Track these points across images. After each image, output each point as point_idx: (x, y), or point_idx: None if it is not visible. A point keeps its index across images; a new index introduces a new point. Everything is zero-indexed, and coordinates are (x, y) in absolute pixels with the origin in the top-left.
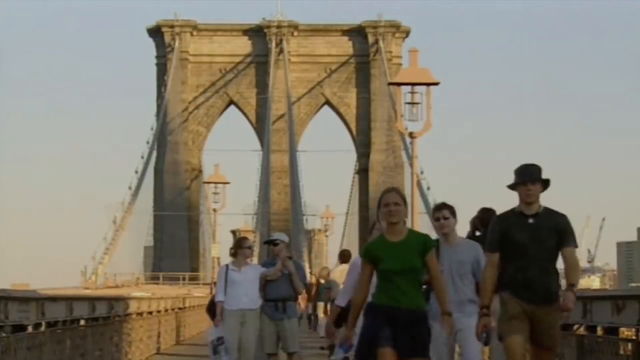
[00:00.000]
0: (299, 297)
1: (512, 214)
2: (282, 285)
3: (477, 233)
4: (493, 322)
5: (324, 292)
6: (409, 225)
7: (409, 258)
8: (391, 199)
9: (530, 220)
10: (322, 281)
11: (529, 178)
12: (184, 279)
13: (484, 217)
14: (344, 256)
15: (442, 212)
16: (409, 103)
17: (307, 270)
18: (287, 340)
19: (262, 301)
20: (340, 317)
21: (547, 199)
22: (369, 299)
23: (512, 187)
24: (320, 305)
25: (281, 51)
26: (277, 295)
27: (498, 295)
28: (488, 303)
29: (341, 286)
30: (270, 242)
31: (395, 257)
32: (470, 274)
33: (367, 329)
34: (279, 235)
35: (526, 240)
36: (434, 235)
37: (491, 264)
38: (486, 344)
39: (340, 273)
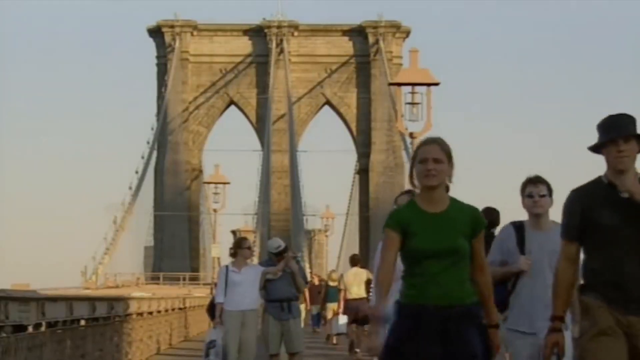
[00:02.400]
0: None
1: (596, 187)
2: (285, 285)
3: None
4: (568, 337)
5: (332, 294)
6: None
7: (451, 235)
8: (431, 152)
9: (624, 195)
10: (331, 283)
11: (618, 132)
12: (184, 279)
13: (487, 218)
14: (355, 260)
15: (539, 188)
16: (409, 103)
17: (307, 271)
18: (292, 341)
19: (262, 301)
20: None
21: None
22: (395, 296)
23: (595, 148)
24: (330, 306)
25: (281, 51)
26: (281, 296)
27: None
28: (562, 313)
29: (354, 288)
30: (283, 252)
31: (433, 234)
32: None
33: (392, 340)
34: (278, 242)
35: (619, 222)
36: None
37: (567, 258)
38: None
39: (353, 276)
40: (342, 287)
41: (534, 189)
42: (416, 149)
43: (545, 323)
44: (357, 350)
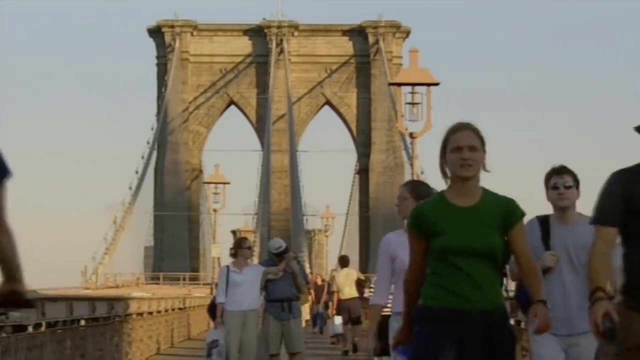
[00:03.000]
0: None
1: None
2: (285, 285)
3: None
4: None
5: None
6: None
7: (484, 232)
8: (465, 140)
9: None
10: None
11: None
12: (184, 279)
13: None
14: (344, 261)
15: (564, 178)
16: (409, 103)
17: (308, 271)
18: (293, 341)
19: (263, 301)
20: (382, 325)
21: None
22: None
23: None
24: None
25: (281, 51)
26: (281, 296)
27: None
28: (603, 284)
29: (346, 288)
30: (283, 253)
31: (463, 230)
32: None
33: (419, 349)
34: (279, 242)
35: None
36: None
37: (604, 240)
38: (611, 337)
39: (344, 277)
40: (334, 288)
41: (559, 179)
42: (447, 135)
43: (578, 324)
44: (347, 349)
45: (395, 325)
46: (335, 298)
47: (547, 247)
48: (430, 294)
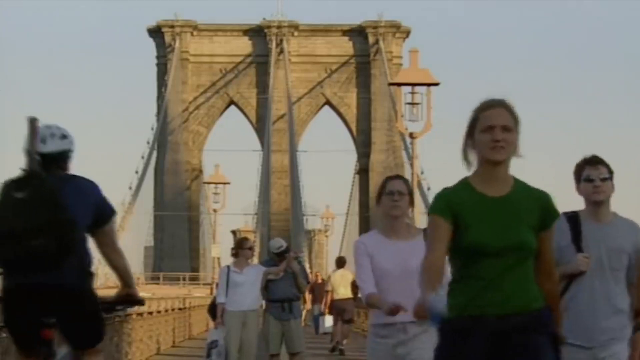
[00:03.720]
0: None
1: None
2: (286, 286)
3: None
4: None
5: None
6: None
7: (519, 228)
8: (498, 118)
9: None
10: None
11: None
12: (184, 279)
13: None
14: (341, 262)
15: (599, 170)
16: (409, 103)
17: (309, 270)
18: (293, 341)
19: (264, 301)
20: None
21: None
22: (437, 307)
23: None
24: None
25: (281, 51)
26: (282, 296)
27: None
28: None
29: (341, 289)
30: (284, 253)
31: (493, 224)
32: (625, 270)
33: None
34: (280, 242)
35: None
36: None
37: None
38: None
39: (339, 278)
40: (329, 288)
41: (594, 171)
42: (476, 113)
43: (607, 335)
44: (342, 347)
45: (373, 343)
46: (328, 297)
47: (579, 248)
48: (457, 303)
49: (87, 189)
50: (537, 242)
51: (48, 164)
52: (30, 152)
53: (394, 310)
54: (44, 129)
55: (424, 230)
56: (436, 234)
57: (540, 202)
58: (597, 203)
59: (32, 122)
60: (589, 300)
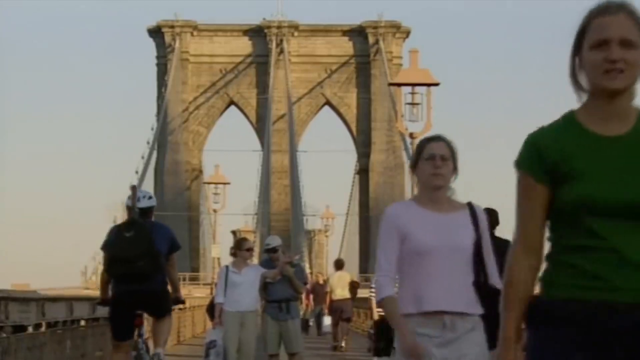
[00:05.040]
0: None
1: None
2: (284, 286)
3: None
4: None
5: None
6: None
7: None
8: (613, 29)
9: None
10: None
11: None
12: (184, 279)
13: (488, 218)
14: (339, 264)
15: None
16: (409, 103)
17: (307, 271)
18: (291, 341)
19: (262, 302)
20: (381, 325)
21: None
22: (518, 287)
23: None
24: None
25: (281, 51)
26: (280, 296)
27: None
28: None
29: (338, 290)
30: (272, 251)
31: (612, 174)
32: None
33: None
34: (273, 240)
35: None
36: None
37: None
38: None
39: (337, 279)
40: (327, 289)
41: None
42: (587, 18)
43: None
44: (343, 345)
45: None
46: (327, 298)
47: None
48: (555, 280)
49: (165, 231)
50: None
51: (142, 214)
52: (133, 207)
53: (413, 350)
54: (139, 192)
55: (469, 204)
56: (526, 198)
57: None
58: None
59: (133, 188)
60: None
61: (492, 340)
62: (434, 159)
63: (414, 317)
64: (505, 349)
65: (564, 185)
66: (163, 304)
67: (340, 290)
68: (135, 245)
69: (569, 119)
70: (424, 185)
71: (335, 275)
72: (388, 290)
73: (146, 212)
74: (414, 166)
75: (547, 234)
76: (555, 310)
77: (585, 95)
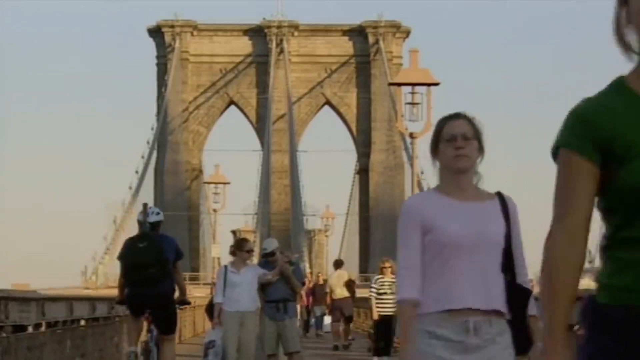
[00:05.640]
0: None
1: None
2: (281, 286)
3: None
4: None
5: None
6: None
7: None
8: None
9: None
10: None
11: None
12: (184, 279)
13: None
14: (338, 264)
15: None
16: (409, 103)
17: (307, 271)
18: (289, 340)
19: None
20: (382, 325)
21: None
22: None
23: None
24: None
25: (281, 51)
26: (277, 296)
27: None
28: None
29: (337, 289)
30: (269, 255)
31: None
32: None
33: None
34: (269, 244)
35: None
36: None
37: None
38: None
39: (337, 279)
40: (327, 289)
41: None
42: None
43: None
44: (345, 344)
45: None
46: (327, 298)
47: None
48: (613, 282)
49: (171, 241)
50: None
51: (152, 228)
52: (144, 222)
53: None
54: (149, 209)
55: (498, 193)
56: (572, 180)
57: None
58: None
59: (145, 205)
60: None
61: (520, 346)
62: (455, 140)
63: (433, 315)
64: (554, 341)
65: (619, 168)
66: (168, 305)
67: (340, 290)
68: (148, 254)
69: (619, 85)
70: (447, 170)
71: (335, 274)
72: (406, 290)
73: (155, 225)
74: (434, 150)
75: (600, 225)
76: (617, 318)
77: (635, 55)
